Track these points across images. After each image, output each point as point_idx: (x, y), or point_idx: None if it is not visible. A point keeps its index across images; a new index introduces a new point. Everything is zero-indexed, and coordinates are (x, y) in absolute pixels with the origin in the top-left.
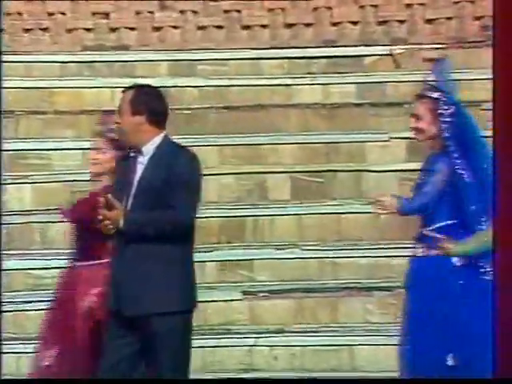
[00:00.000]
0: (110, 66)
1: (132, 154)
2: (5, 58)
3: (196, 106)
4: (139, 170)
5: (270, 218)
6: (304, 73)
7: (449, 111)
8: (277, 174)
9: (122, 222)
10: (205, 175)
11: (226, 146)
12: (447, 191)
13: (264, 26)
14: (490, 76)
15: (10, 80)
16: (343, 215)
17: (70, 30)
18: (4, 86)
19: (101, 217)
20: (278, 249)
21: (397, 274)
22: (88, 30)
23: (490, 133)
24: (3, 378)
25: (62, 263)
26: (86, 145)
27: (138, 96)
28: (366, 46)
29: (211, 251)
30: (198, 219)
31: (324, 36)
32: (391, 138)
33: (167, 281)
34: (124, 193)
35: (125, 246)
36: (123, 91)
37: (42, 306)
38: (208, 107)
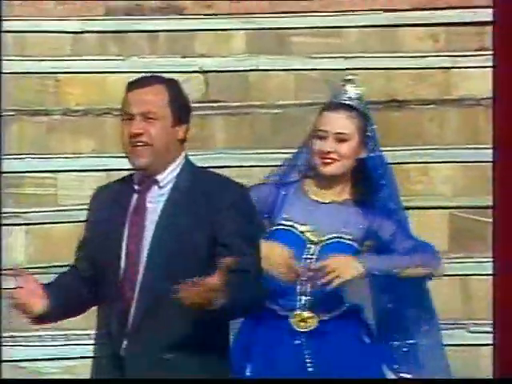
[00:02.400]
0: (152, 40)
1: (137, 188)
2: None
3: (290, 102)
4: (152, 211)
5: None
6: (471, 49)
7: (374, 129)
8: (427, 209)
9: (217, 300)
10: None
11: None
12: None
13: None
14: None
15: None
16: None
17: None
18: None
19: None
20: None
21: None
22: None
23: None
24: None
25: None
26: (113, 163)
27: (176, 93)
28: None
29: None
30: None
31: None
32: None
33: None
34: (117, 251)
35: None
36: (140, 85)
37: None
38: (309, 103)
